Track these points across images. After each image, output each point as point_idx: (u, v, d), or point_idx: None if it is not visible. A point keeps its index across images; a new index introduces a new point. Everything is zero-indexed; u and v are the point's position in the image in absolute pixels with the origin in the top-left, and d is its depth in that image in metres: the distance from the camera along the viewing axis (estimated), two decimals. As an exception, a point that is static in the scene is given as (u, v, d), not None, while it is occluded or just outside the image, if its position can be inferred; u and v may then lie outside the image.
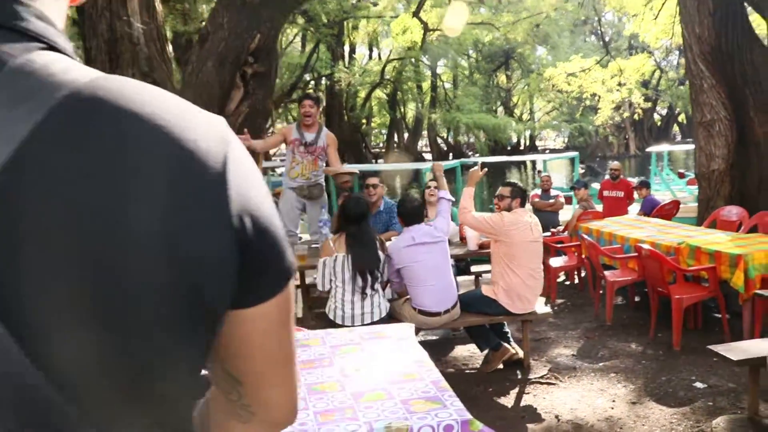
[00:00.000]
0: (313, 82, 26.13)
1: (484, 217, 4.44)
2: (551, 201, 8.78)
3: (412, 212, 4.31)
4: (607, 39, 23.99)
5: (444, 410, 1.78)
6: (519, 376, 4.53)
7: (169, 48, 8.08)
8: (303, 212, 5.85)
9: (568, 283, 7.52)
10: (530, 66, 26.93)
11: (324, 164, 5.72)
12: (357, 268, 4.12)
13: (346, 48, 31.59)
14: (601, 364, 4.78)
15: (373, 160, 36.73)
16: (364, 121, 36.17)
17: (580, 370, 4.67)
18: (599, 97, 17.51)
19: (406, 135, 39.91)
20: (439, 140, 41.60)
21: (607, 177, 9.10)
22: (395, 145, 43.79)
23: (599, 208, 8.22)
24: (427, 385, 1.97)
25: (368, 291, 4.16)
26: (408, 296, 4.38)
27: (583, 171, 18.97)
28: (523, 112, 35.79)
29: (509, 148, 41.00)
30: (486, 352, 4.61)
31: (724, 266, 4.93)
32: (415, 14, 16.16)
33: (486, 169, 4.69)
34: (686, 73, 7.83)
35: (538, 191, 9.10)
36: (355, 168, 5.48)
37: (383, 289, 4.34)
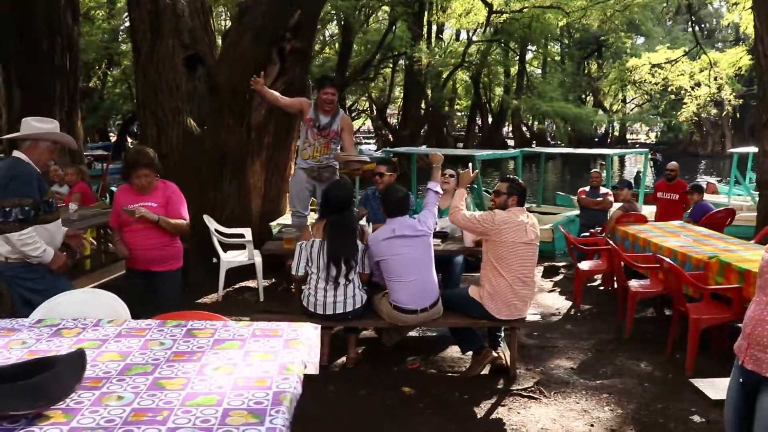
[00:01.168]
0: (392, 61, 25.94)
1: (474, 216, 4.15)
2: (599, 199, 8.24)
3: (396, 203, 4.09)
4: (704, 28, 22.24)
5: (255, 427, 1.61)
6: (501, 386, 4.24)
7: (214, 21, 8.15)
8: (313, 194, 5.73)
9: (602, 288, 7.05)
10: (622, 55, 25.43)
11: (338, 148, 5.57)
12: (331, 257, 3.97)
13: (434, 28, 31.16)
14: (598, 381, 4.41)
15: (456, 144, 36.31)
16: (447, 103, 35.67)
17: (572, 385, 4.32)
18: (685, 91, 16.28)
19: (490, 120, 39.10)
20: (523, 128, 40.49)
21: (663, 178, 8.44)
22: (478, 130, 43.03)
23: (648, 210, 7.63)
24: (267, 396, 1.80)
25: (341, 280, 4.01)
26: (387, 290, 4.18)
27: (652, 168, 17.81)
28: (613, 103, 34.08)
29: (596, 139, 39.36)
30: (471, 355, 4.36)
31: (753, 287, 4.39)
32: None
33: (477, 171, 4.43)
34: (755, 68, 7.05)
35: (586, 188, 8.56)
36: (366, 157, 5.28)
37: (363, 280, 4.17)
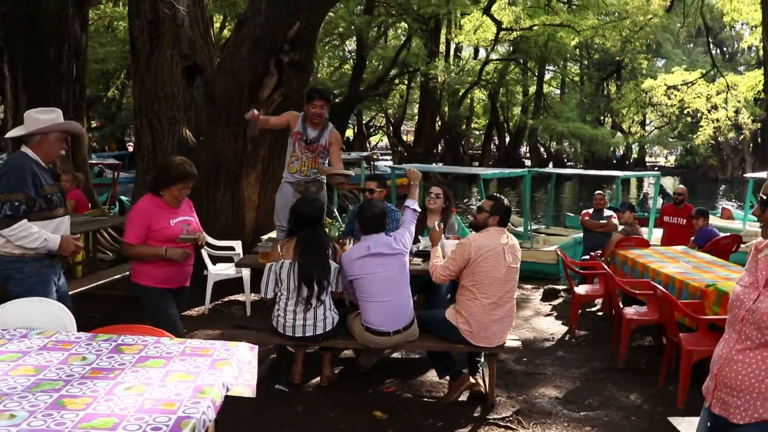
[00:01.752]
0: (407, 77, 25.94)
1: (448, 264, 3.95)
2: (603, 221, 8.01)
3: (372, 220, 3.94)
4: (726, 51, 21.88)
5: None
6: (477, 414, 4.05)
7: (213, 31, 8.14)
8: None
9: (601, 313, 6.82)
10: (638, 77, 25.23)
11: (325, 162, 5.45)
12: (303, 278, 3.83)
13: (452, 46, 31.16)
14: (582, 413, 4.19)
15: (472, 163, 36.12)
16: (464, 121, 35.57)
17: (554, 416, 4.11)
18: (701, 114, 15.97)
19: (507, 139, 38.89)
20: (541, 148, 40.20)
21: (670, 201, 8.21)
22: (495, 149, 42.83)
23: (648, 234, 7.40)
24: (169, 421, 1.66)
25: (313, 302, 3.87)
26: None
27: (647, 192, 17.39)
28: (631, 126, 33.74)
29: (614, 161, 38.90)
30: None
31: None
32: (486, 12, 15.42)
33: (442, 226, 4.32)
34: (764, 90, 6.82)
35: (590, 210, 8.35)
36: (351, 171, 5.15)
37: (335, 299, 4.03)
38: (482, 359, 4.31)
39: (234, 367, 2.11)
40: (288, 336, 3.91)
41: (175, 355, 2.17)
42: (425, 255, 4.70)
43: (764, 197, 1.97)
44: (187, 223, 3.73)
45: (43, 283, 3.49)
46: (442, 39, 26.50)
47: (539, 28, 16.44)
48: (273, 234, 7.44)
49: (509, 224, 12.88)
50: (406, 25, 22.45)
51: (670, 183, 34.02)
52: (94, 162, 13.98)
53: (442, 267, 3.98)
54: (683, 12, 13.66)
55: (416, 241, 4.77)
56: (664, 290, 4.40)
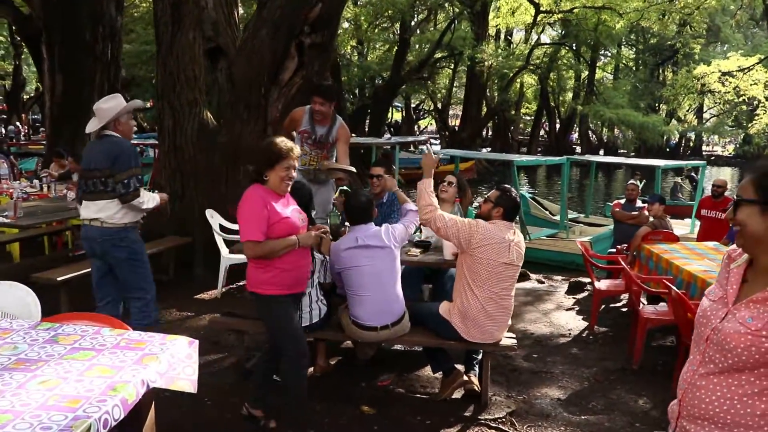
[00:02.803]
0: (453, 60, 25.50)
1: (455, 220, 3.68)
2: (634, 213, 7.65)
3: (359, 210, 3.78)
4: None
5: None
6: (469, 413, 3.89)
7: (239, 13, 8.07)
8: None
9: (625, 309, 6.52)
10: (693, 63, 24.03)
11: (334, 156, 5.32)
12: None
13: (503, 29, 30.44)
14: (583, 417, 3.98)
15: (520, 149, 35.42)
16: (513, 106, 34.85)
17: (551, 419, 3.91)
18: (758, 101, 15.07)
19: (558, 125, 37.93)
20: (592, 135, 39.07)
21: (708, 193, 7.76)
22: (544, 135, 41.86)
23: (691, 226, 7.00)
24: (63, 420, 1.58)
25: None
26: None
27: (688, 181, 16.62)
28: (686, 113, 32.31)
29: (668, 150, 37.51)
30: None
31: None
32: None
33: (438, 156, 3.97)
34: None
35: (622, 200, 7.98)
36: (353, 167, 4.96)
37: (322, 291, 3.91)
38: (479, 356, 4.14)
39: (162, 363, 2.02)
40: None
41: (108, 347, 2.10)
42: (425, 246, 4.54)
43: (737, 198, 1.71)
44: (299, 212, 3.40)
45: (142, 245, 4.25)
46: (492, 23, 25.91)
47: (579, 11, 15.74)
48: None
49: (547, 212, 12.50)
50: (454, 9, 22.04)
51: (728, 174, 32.63)
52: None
53: (445, 217, 3.66)
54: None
55: (418, 230, 4.61)
56: (677, 290, 4.12)
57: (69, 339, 2.17)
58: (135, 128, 4.31)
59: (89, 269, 5.46)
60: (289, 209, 3.31)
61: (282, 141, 3.25)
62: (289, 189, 3.31)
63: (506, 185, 3.97)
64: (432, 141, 27.93)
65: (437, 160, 3.84)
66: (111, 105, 4.06)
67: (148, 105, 31.08)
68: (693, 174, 15.68)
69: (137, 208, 4.06)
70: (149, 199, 4.13)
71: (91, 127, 4.11)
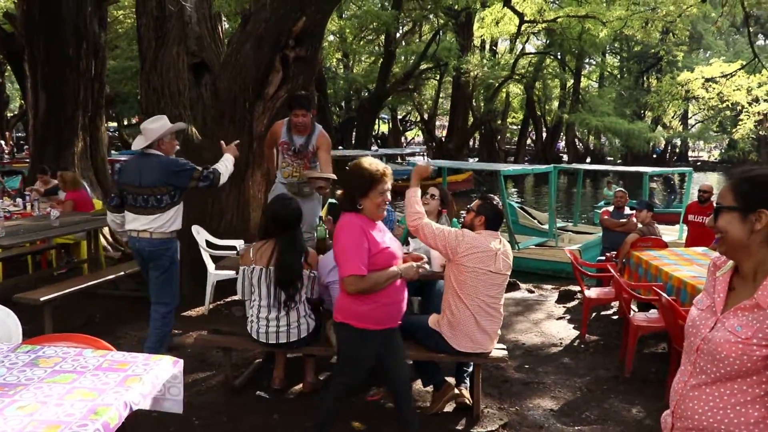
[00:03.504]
0: (438, 72, 25.62)
1: (441, 229, 3.66)
2: (622, 221, 7.68)
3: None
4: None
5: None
6: (461, 427, 3.85)
7: (223, 28, 8.06)
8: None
9: (616, 317, 6.52)
10: (676, 70, 24.32)
11: (317, 165, 5.30)
12: (276, 282, 3.69)
13: (487, 40, 30.64)
14: (577, 427, 3.96)
15: (507, 159, 35.55)
16: (500, 116, 35.03)
17: (545, 430, 3.88)
18: (742, 107, 15.26)
19: (544, 134, 38.14)
20: (579, 143, 39.33)
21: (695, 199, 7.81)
22: (531, 144, 42.07)
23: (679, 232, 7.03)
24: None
25: (285, 306, 3.73)
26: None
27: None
28: (672, 119, 32.64)
29: (654, 156, 37.79)
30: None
31: None
32: (506, 4, 14.92)
33: (432, 166, 3.95)
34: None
35: (610, 208, 8.01)
36: (334, 175, 4.93)
37: (310, 305, 3.88)
38: (470, 369, 4.11)
39: (146, 384, 1.98)
40: (261, 342, 3.79)
41: (90, 369, 2.06)
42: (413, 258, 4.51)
43: (717, 205, 1.71)
44: (394, 239, 3.24)
45: (179, 254, 4.61)
46: (477, 34, 26.10)
47: (564, 20, 15.87)
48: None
49: (535, 221, 12.52)
50: (438, 20, 22.17)
51: (714, 179, 32.94)
52: (114, 159, 14.17)
53: (432, 226, 3.64)
54: (721, 1, 12.97)
55: (405, 243, 4.59)
56: (667, 297, 4.12)
57: (50, 361, 2.12)
58: (177, 147, 4.75)
59: (73, 288, 5.43)
60: (387, 237, 3.09)
61: (371, 164, 3.01)
62: (384, 214, 3.10)
63: (489, 194, 3.96)
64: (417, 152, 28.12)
65: (430, 170, 3.83)
66: (157, 125, 4.43)
67: (134, 121, 30.94)
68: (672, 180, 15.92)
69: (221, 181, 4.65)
70: (224, 169, 4.70)
71: (138, 145, 4.46)
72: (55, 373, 2.02)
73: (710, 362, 1.66)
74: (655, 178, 17.92)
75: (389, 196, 3.03)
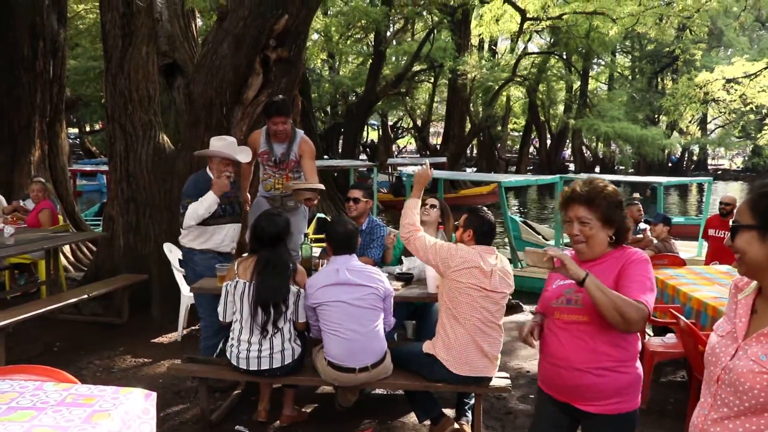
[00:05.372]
0: (433, 73, 25.75)
1: (434, 242, 3.70)
2: (638, 236, 7.74)
3: (343, 238, 3.79)
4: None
5: None
6: (461, 465, 3.86)
7: (197, 25, 8.12)
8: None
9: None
10: (694, 70, 24.58)
11: (301, 176, 5.33)
12: (259, 301, 3.71)
13: (486, 39, 30.88)
14: (588, 463, 3.96)
15: (508, 168, 35.75)
16: (500, 122, 35.23)
17: (553, 467, 3.89)
18: (766, 110, 15.42)
19: (549, 141, 38.41)
20: (586, 151, 39.61)
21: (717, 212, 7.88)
22: (534, 152, 42.33)
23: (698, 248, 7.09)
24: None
25: (269, 329, 3.74)
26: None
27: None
28: (688, 125, 32.97)
29: (670, 165, 38.15)
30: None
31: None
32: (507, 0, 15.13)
33: (432, 170, 3.97)
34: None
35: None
36: (321, 185, 4.95)
37: (296, 328, 3.88)
38: (472, 401, 4.11)
39: (115, 421, 1.98)
40: (242, 369, 3.78)
41: (51, 405, 2.05)
42: (407, 279, 4.54)
43: (734, 223, 1.72)
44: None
45: (209, 269, 4.85)
46: (475, 32, 26.32)
47: (570, 17, 16.03)
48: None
49: (539, 236, 12.56)
50: (433, 18, 22.35)
51: (736, 189, 33.17)
52: (76, 169, 14.09)
53: (425, 239, 3.70)
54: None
55: (399, 261, 4.62)
56: (685, 320, 4.16)
57: (5, 397, 2.11)
58: (228, 175, 4.99)
59: (29, 314, 5.40)
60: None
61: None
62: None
63: (476, 206, 3.97)
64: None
65: (430, 177, 3.88)
66: (215, 144, 5.00)
67: (97, 127, 30.79)
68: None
69: (190, 224, 4.87)
70: (191, 211, 4.83)
71: (245, 158, 5.11)
72: (11, 410, 2.01)
73: (732, 394, 1.65)
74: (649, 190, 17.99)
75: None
